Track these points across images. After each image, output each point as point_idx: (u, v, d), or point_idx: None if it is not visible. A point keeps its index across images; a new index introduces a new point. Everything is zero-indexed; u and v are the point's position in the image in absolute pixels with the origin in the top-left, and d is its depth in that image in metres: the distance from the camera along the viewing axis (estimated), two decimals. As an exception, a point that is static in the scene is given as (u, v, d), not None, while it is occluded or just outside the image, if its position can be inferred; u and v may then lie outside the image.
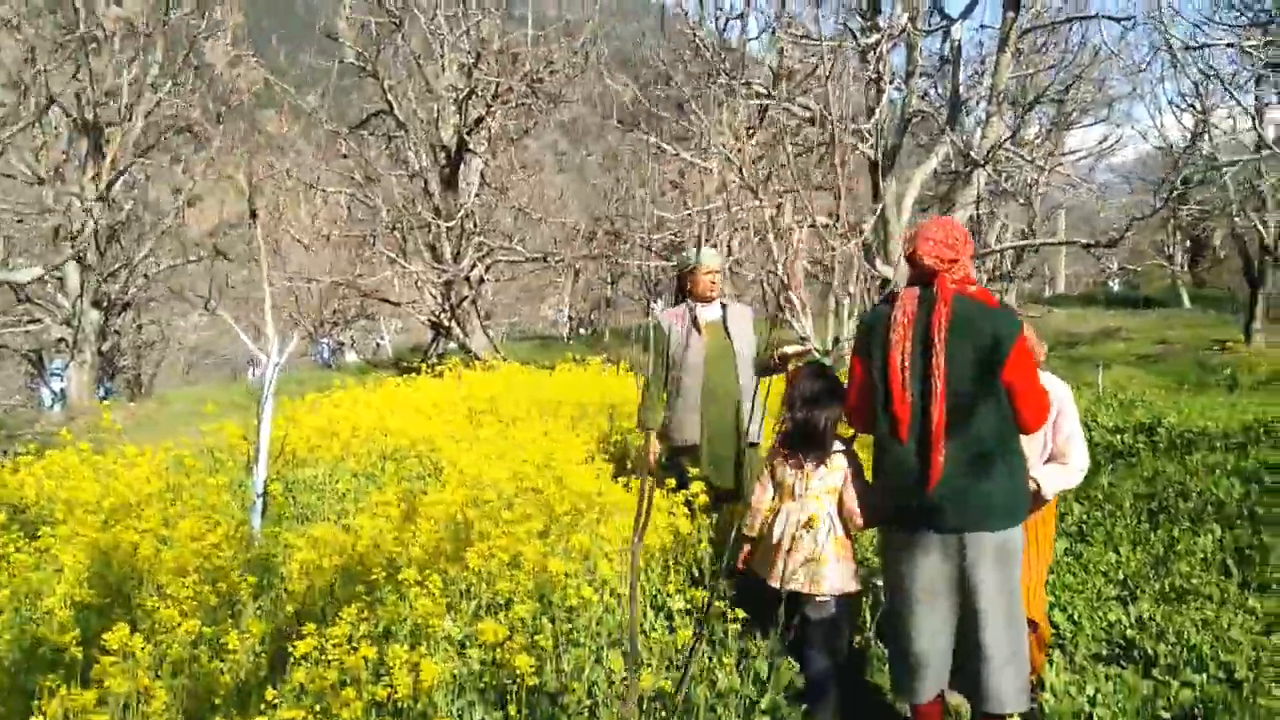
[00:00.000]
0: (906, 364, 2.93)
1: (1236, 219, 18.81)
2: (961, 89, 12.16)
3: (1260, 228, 19.20)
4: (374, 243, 16.19)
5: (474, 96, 16.07)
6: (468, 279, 16.91)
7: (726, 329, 4.90)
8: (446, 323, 17.23)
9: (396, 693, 2.67)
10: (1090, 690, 3.55)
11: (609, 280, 25.68)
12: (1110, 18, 10.44)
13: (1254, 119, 9.07)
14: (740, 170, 9.50)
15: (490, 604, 3.51)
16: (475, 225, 16.46)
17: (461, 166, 17.20)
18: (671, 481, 4.50)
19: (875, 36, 11.67)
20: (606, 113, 22.39)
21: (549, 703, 2.97)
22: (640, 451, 4.95)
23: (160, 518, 3.87)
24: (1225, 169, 10.78)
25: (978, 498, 2.88)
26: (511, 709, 2.78)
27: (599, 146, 20.29)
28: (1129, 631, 4.03)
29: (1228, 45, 8.09)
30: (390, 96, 16.82)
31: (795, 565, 3.52)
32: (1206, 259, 31.44)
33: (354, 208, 17.54)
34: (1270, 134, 11.53)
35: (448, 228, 16.18)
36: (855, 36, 11.30)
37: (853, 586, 3.50)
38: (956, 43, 12.54)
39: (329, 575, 3.72)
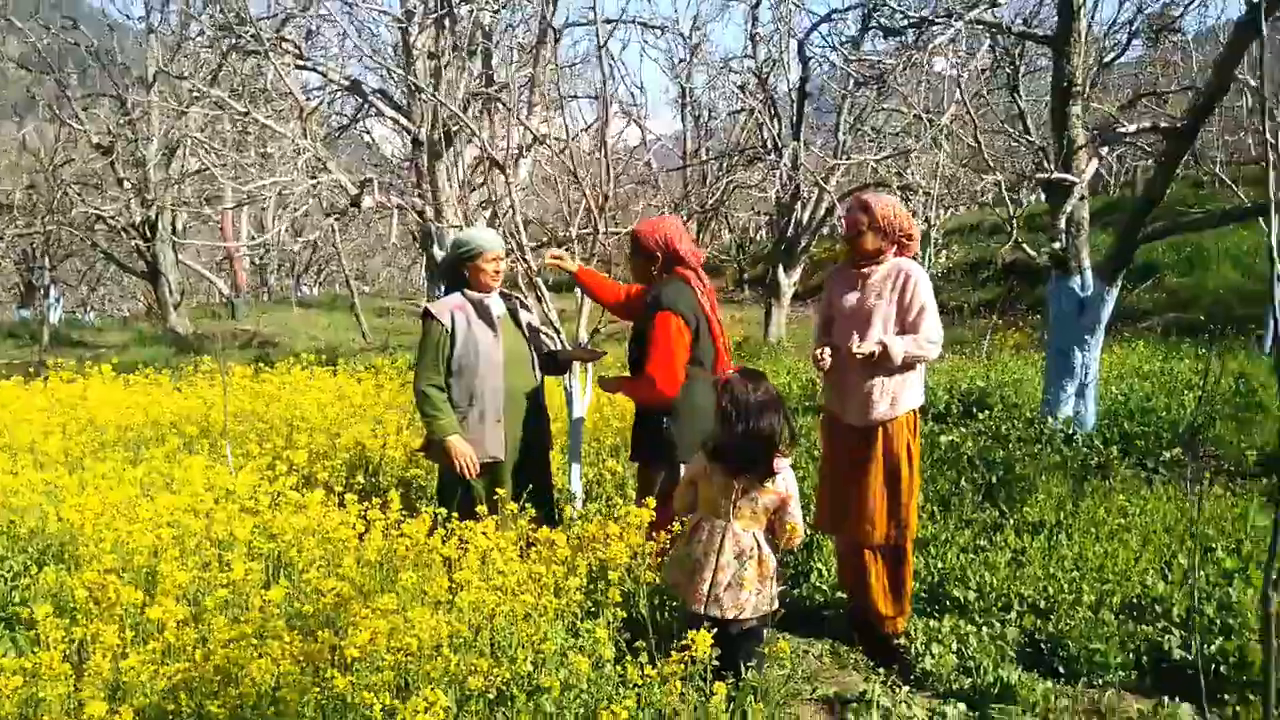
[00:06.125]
0: None
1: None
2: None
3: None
4: None
5: None
6: None
7: (518, 324, 4.30)
8: None
9: None
10: (953, 642, 3.89)
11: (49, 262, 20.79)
12: (643, 23, 11.39)
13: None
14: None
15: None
16: None
17: None
18: (483, 509, 3.80)
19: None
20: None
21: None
22: (450, 459, 4.07)
23: None
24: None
25: None
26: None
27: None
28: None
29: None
30: None
31: (720, 591, 3.28)
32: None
33: None
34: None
35: None
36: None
37: (770, 608, 3.34)
38: (486, 28, 12.63)
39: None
